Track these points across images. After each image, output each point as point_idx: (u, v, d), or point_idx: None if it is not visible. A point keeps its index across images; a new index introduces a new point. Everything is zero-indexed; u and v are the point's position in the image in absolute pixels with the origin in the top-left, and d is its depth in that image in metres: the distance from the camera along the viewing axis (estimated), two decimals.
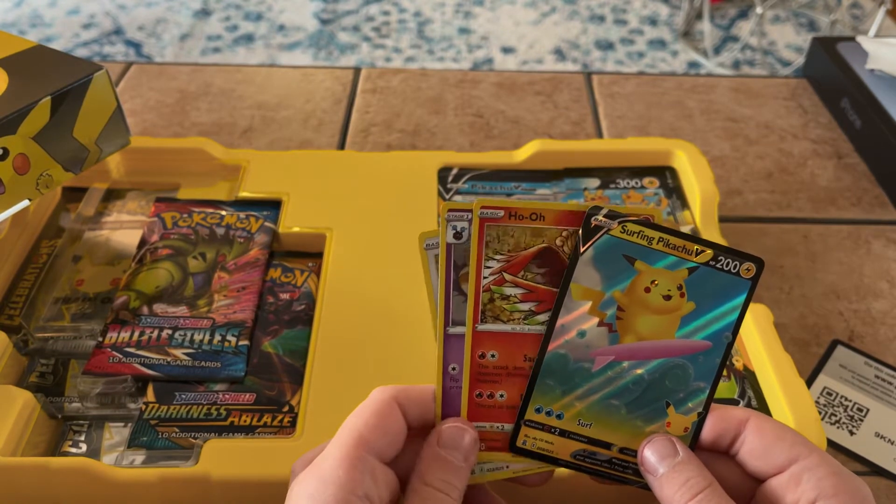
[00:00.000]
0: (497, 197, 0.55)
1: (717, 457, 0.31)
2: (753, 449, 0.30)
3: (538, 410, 0.31)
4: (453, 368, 0.31)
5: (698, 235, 0.51)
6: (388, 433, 0.30)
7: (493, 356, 0.31)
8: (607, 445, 0.31)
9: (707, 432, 0.31)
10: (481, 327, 0.31)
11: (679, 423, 0.31)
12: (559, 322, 0.31)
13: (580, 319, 0.31)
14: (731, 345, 0.31)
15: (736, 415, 0.31)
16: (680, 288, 0.31)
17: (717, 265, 0.31)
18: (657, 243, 0.31)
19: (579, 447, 0.31)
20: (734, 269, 0.31)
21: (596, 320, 0.31)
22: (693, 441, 0.31)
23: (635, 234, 0.31)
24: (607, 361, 0.31)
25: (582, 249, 0.31)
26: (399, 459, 0.30)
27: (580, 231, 0.31)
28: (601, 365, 0.31)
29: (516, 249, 0.31)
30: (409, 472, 0.31)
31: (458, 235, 0.31)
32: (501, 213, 0.31)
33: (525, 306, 0.31)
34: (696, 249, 0.31)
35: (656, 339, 0.31)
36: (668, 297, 0.31)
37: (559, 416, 0.31)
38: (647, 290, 0.31)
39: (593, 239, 0.31)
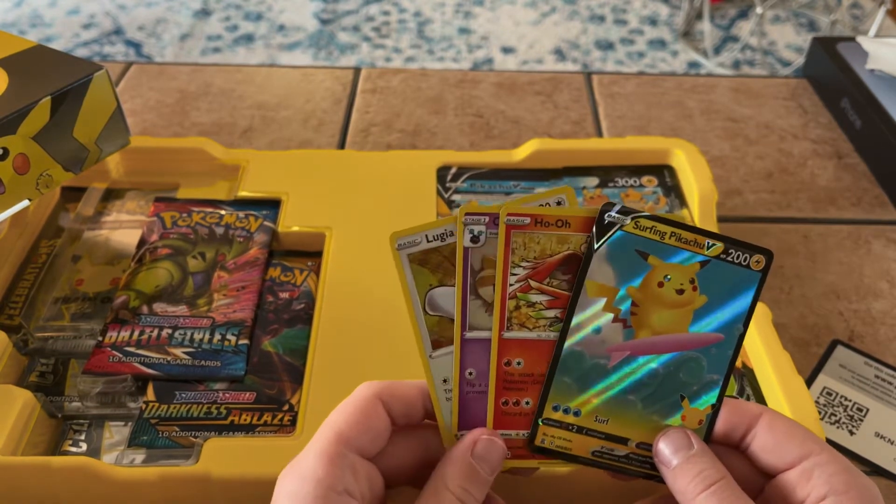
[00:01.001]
0: (496, 196, 0.55)
1: (728, 450, 0.31)
2: (765, 444, 0.30)
3: (556, 408, 0.31)
4: (470, 373, 0.31)
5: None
6: (369, 429, 0.30)
7: (518, 363, 0.31)
8: (624, 441, 0.32)
9: (720, 425, 0.31)
10: (507, 335, 0.31)
11: (694, 417, 0.31)
12: (575, 319, 0.31)
13: (595, 315, 0.31)
14: (742, 336, 0.32)
15: (749, 409, 0.31)
16: (692, 282, 0.31)
17: (728, 258, 0.31)
18: (669, 238, 0.31)
19: (598, 444, 0.31)
20: (744, 261, 0.31)
21: (611, 316, 0.31)
22: (707, 434, 0.31)
23: (648, 230, 0.31)
24: (622, 357, 0.31)
25: (596, 246, 0.31)
26: (383, 455, 0.30)
27: (594, 228, 0.31)
28: (616, 360, 0.31)
29: (542, 256, 0.31)
30: (393, 468, 0.31)
31: (475, 239, 0.31)
32: (528, 219, 0.31)
33: (551, 313, 0.31)
34: (708, 243, 0.31)
35: (670, 334, 0.31)
36: (680, 292, 0.31)
37: (577, 414, 0.31)
38: (661, 284, 0.31)
39: (607, 235, 0.31)
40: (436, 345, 0.31)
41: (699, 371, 0.31)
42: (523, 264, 0.31)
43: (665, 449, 0.31)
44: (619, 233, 0.31)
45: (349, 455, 0.29)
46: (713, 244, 0.31)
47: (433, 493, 0.29)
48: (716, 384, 0.31)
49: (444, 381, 0.31)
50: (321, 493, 0.27)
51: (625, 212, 0.31)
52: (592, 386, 0.31)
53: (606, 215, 0.31)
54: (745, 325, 0.32)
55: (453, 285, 0.31)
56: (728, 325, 0.31)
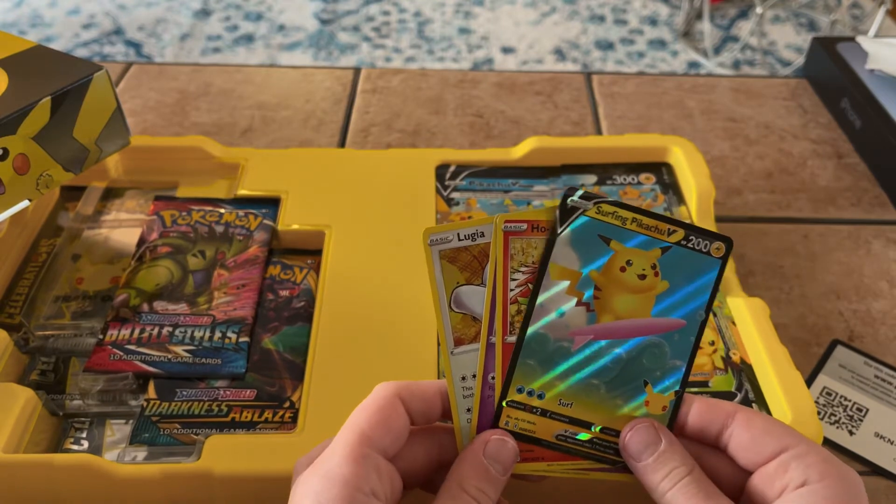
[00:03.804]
0: (495, 194, 0.55)
1: (709, 450, 0.31)
2: (742, 441, 0.30)
3: (520, 390, 0.32)
4: (492, 377, 0.32)
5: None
6: (391, 430, 0.30)
7: None
8: (588, 425, 0.32)
9: (694, 420, 0.31)
10: (510, 339, 0.32)
11: (657, 402, 0.32)
12: (539, 301, 0.31)
13: (559, 299, 0.32)
14: (704, 322, 0.32)
15: (724, 407, 0.31)
16: (654, 267, 0.32)
17: (689, 244, 0.32)
18: (631, 223, 0.32)
19: (562, 427, 0.32)
20: (705, 248, 0.32)
21: (574, 300, 0.32)
22: (671, 420, 0.32)
23: (610, 215, 0.31)
24: (586, 341, 0.32)
25: (559, 230, 0.31)
26: (401, 455, 0.30)
27: (557, 212, 0.31)
28: (580, 344, 0.32)
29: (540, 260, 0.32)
30: (409, 469, 0.31)
31: None
32: (525, 225, 0.31)
33: None
34: (669, 229, 0.32)
35: (633, 318, 0.32)
36: (642, 277, 0.32)
37: (540, 396, 0.32)
38: (623, 269, 0.32)
39: (570, 220, 0.31)
40: (457, 342, 0.32)
41: (662, 357, 0.32)
42: (522, 269, 0.32)
43: (633, 444, 0.31)
44: (582, 218, 0.31)
45: (373, 456, 0.29)
46: (674, 230, 0.32)
47: (448, 493, 0.29)
48: (678, 370, 0.32)
49: (463, 378, 0.32)
50: (348, 494, 0.27)
51: (587, 197, 0.31)
52: (556, 368, 0.32)
53: (569, 200, 0.31)
54: (707, 312, 0.32)
55: (479, 284, 0.32)
56: (690, 311, 0.32)
